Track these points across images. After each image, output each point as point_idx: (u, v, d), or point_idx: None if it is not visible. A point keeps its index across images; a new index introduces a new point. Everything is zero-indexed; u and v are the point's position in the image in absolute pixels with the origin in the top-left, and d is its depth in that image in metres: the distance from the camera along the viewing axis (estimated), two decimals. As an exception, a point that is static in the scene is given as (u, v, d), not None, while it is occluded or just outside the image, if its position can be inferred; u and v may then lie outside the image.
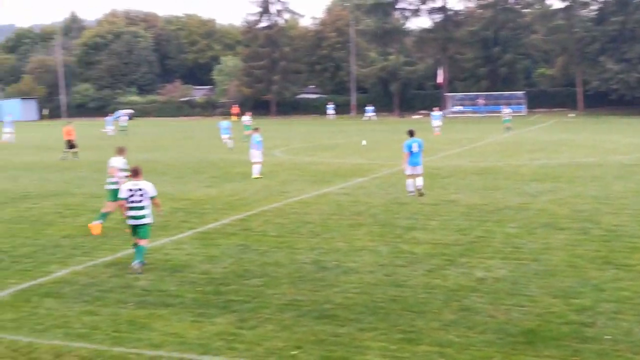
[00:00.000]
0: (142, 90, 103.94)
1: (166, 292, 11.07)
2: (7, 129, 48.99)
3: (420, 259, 12.86)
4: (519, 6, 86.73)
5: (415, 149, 20.24)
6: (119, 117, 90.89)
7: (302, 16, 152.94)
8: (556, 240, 14.09)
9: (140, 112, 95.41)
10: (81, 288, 11.38)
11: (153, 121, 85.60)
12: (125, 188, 12.67)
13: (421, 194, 20.09)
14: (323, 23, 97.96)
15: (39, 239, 15.18)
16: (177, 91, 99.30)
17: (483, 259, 12.74)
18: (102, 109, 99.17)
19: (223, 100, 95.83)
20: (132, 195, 12.54)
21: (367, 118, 76.41)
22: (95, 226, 15.72)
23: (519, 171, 25.73)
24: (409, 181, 20.45)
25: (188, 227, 16.30)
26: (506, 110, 52.80)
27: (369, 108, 78.09)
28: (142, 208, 12.53)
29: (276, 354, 8.50)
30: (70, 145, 35.50)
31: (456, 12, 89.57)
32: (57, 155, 36.32)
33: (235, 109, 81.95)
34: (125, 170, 15.68)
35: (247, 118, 49.70)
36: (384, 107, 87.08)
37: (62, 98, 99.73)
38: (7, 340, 9.08)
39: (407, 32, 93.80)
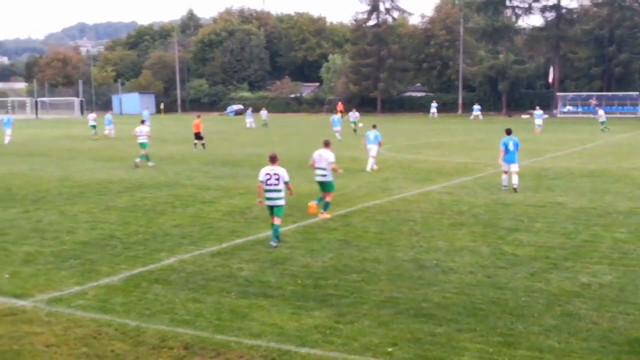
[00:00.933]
0: (253, 86, 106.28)
1: (267, 284, 11.35)
2: (109, 125, 50.57)
3: (522, 261, 12.61)
4: (637, 4, 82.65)
5: (511, 147, 21.01)
6: (231, 112, 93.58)
7: (411, 14, 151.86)
8: (669, 247, 13.47)
9: (252, 109, 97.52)
10: (187, 276, 11.83)
11: (257, 117, 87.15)
12: (263, 172, 14.09)
13: (515, 191, 20.67)
14: (432, 21, 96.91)
15: (151, 227, 15.87)
16: (286, 88, 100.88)
17: (589, 264, 12.35)
18: (214, 104, 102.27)
19: (330, 97, 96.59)
20: (269, 179, 13.95)
21: (473, 117, 75.12)
22: (314, 209, 17.04)
23: (631, 174, 24.67)
24: (504, 176, 21.40)
25: (291, 220, 16.58)
26: (600, 112, 54.21)
27: (476, 107, 76.75)
28: (278, 191, 13.96)
29: (372, 350, 8.56)
30: (198, 137, 37.67)
31: (570, 10, 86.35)
32: (170, 148, 37.75)
33: (340, 106, 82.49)
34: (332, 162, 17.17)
35: (354, 114, 52.46)
36: (491, 106, 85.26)
37: (178, 93, 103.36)
38: (116, 322, 9.54)
39: (518, 30, 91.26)
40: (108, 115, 50.43)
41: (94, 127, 49.12)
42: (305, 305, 10.25)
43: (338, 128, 44.78)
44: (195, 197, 20.30)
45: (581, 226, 15.60)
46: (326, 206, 17.22)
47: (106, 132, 49.08)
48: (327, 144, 17.69)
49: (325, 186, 17.44)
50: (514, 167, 20.98)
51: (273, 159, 14.30)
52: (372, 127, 29.02)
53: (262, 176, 14.10)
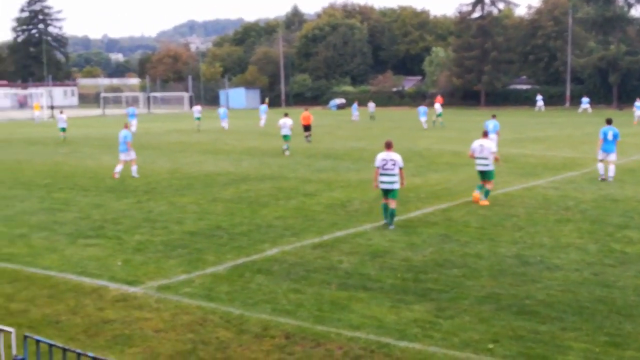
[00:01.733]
0: (355, 80, 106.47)
1: (367, 276, 11.42)
2: (263, 116, 53.23)
3: (632, 259, 12.15)
4: None
5: (610, 137, 21.42)
6: (334, 106, 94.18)
7: (518, 5, 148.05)
8: None
9: (352, 102, 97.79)
10: (289, 267, 12.05)
11: (363, 110, 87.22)
12: (379, 158, 15.08)
13: (608, 180, 21.33)
14: (539, 12, 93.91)
15: (255, 219, 16.25)
16: (388, 81, 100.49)
17: None
18: (317, 99, 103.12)
19: (432, 90, 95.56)
20: (385, 164, 14.99)
21: (582, 110, 72.35)
22: (478, 197, 17.87)
23: None
24: (600, 165, 21.85)
25: (392, 214, 16.59)
26: None
27: (585, 99, 73.71)
28: (393, 175, 14.95)
29: (472, 346, 8.47)
30: (306, 129, 39.38)
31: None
32: (274, 142, 38.42)
33: (439, 99, 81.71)
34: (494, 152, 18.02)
35: (438, 105, 55.64)
36: (601, 98, 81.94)
37: (282, 87, 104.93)
38: (221, 310, 9.85)
39: (631, 20, 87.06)
40: (224, 109, 52.75)
41: (198, 119, 51.71)
42: (405, 298, 10.25)
43: (424, 118, 49.02)
44: (298, 190, 20.62)
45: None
46: (487, 194, 17.87)
47: (223, 124, 51.36)
48: (485, 135, 18.42)
49: (486, 175, 17.95)
50: (612, 157, 21.40)
51: (389, 145, 15.21)
52: (491, 117, 29.67)
53: (378, 162, 15.04)
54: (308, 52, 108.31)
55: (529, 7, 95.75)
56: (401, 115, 75.94)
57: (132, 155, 24.22)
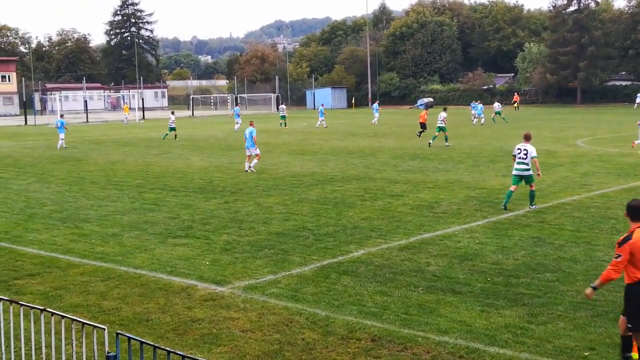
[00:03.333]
0: (444, 78, 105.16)
1: (455, 280, 11.15)
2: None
3: None
4: None
5: None
6: (421, 104, 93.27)
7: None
8: None
9: (441, 100, 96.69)
10: (375, 269, 11.91)
11: (453, 109, 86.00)
12: (516, 147, 17.31)
13: None
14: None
15: (340, 220, 16.18)
16: (479, 79, 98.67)
17: None
18: (405, 97, 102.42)
19: (525, 87, 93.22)
20: (519, 153, 17.03)
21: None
22: None
23: None
24: None
25: (481, 216, 16.22)
26: None
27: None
28: (525, 163, 16.93)
29: (567, 354, 8.14)
30: (423, 126, 41.02)
31: None
32: (360, 142, 38.33)
33: (516, 97, 79.81)
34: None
35: (498, 105, 58.03)
36: None
37: (369, 87, 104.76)
38: (307, 312, 9.81)
39: None
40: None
41: (283, 117, 53.72)
42: (495, 303, 9.95)
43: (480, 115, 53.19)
44: (384, 191, 20.43)
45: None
46: (532, 197, 17.38)
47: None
48: (527, 138, 17.62)
49: (526, 179, 17.35)
50: None
51: (527, 137, 17.31)
52: None
53: (515, 150, 17.32)
54: (396, 51, 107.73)
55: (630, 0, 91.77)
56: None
57: (257, 150, 25.82)
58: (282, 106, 57.47)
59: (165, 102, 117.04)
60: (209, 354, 8.37)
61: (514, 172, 17.33)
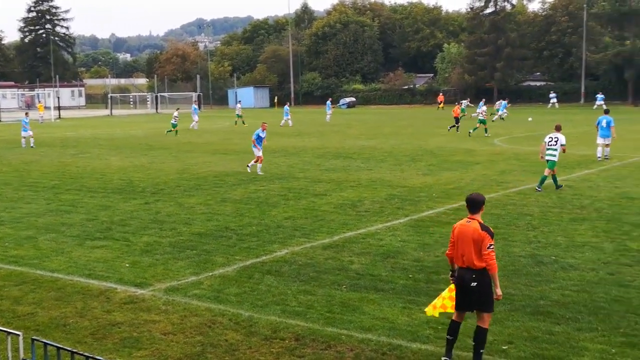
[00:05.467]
0: (366, 78, 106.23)
1: (378, 277, 11.26)
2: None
3: (649, 258, 11.92)
4: None
5: (604, 124, 26.70)
6: (344, 104, 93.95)
7: (531, 1, 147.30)
8: None
9: (363, 100, 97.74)
10: (299, 268, 11.91)
11: (374, 109, 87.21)
12: (547, 136, 19.83)
13: (607, 158, 26.29)
14: (553, 7, 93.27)
15: (264, 219, 16.11)
16: (399, 79, 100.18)
17: None
18: (327, 97, 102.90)
19: (444, 88, 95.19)
20: (550, 141, 19.52)
21: (596, 106, 71.70)
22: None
23: None
24: (599, 148, 26.69)
25: (403, 214, 16.45)
26: None
27: (599, 96, 73.12)
28: (555, 149, 19.38)
29: (486, 348, 8.26)
30: (457, 120, 43.80)
31: None
32: (284, 141, 38.34)
33: (440, 97, 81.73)
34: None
35: (465, 102, 60.24)
36: (616, 95, 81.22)
37: (292, 86, 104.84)
38: (230, 312, 9.71)
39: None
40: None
41: (239, 116, 55.59)
42: (417, 299, 10.09)
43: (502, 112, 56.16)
44: (307, 190, 20.47)
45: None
46: (543, 180, 19.62)
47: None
48: (558, 129, 20.47)
49: (549, 164, 19.77)
50: (607, 141, 26.52)
51: (558, 128, 20.10)
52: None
53: (547, 138, 19.74)
54: (318, 50, 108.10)
55: (543, 2, 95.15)
56: (413, 113, 75.65)
57: (258, 153, 24.41)
58: (238, 105, 58.05)
59: (82, 101, 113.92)
60: (129, 358, 8.20)
61: (547, 158, 19.67)
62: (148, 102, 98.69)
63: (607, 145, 26.66)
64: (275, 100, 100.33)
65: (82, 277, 11.58)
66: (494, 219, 15.62)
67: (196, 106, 52.53)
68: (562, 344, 8.37)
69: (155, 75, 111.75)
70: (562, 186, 19.70)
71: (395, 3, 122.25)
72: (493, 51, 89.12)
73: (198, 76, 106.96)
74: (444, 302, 7.98)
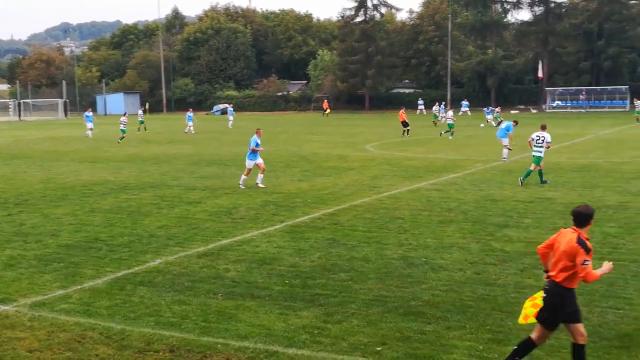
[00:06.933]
0: (239, 85, 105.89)
1: (254, 284, 11.20)
2: (189, 122, 51.40)
3: (512, 257, 12.53)
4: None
5: (503, 126, 28.94)
6: (217, 111, 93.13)
7: (400, 10, 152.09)
8: (658, 241, 13.43)
9: (237, 107, 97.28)
10: (173, 277, 11.65)
11: (248, 115, 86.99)
12: (534, 134, 21.76)
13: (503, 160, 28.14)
14: (420, 17, 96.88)
15: (136, 229, 15.66)
16: (273, 86, 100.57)
17: (579, 259, 12.25)
18: (200, 103, 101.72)
19: (317, 95, 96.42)
20: (538, 139, 21.49)
21: (462, 113, 74.84)
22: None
23: (620, 169, 24.70)
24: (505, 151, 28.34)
25: (278, 220, 16.46)
26: (637, 102, 57.56)
27: (464, 103, 76.50)
28: (541, 146, 21.35)
29: (361, 350, 8.45)
30: (405, 124, 44.34)
31: (558, 5, 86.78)
32: (155, 148, 37.49)
33: (325, 104, 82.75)
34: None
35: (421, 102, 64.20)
36: (480, 102, 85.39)
37: (163, 92, 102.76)
38: (101, 326, 9.36)
39: (507, 25, 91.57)
40: (189, 114, 52.38)
41: (142, 122, 54.09)
42: (293, 305, 10.12)
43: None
44: (181, 198, 20.10)
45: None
46: (528, 173, 21.51)
47: (187, 129, 50.88)
48: (543, 128, 22.28)
49: (535, 159, 21.64)
50: (504, 142, 28.14)
51: (543, 127, 22.13)
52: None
53: (534, 135, 21.69)
54: (190, 56, 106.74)
55: (411, 12, 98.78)
56: (287, 119, 76.10)
57: (258, 161, 22.12)
58: (140, 111, 56.32)
59: None
60: (-9, 379, 7.71)
61: (533, 154, 21.51)
62: (10, 109, 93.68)
63: (503, 147, 28.16)
64: (147, 107, 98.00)
65: (-63, 295, 10.81)
66: (367, 223, 15.95)
67: (89, 113, 50.22)
68: (433, 343, 8.61)
69: (18, 81, 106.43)
70: (547, 182, 21.44)
71: (267, 10, 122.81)
72: (364, 59, 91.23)
73: (64, 82, 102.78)
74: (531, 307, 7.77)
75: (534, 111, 61.62)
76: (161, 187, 22.55)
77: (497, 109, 61.35)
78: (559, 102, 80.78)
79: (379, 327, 9.19)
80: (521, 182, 21.19)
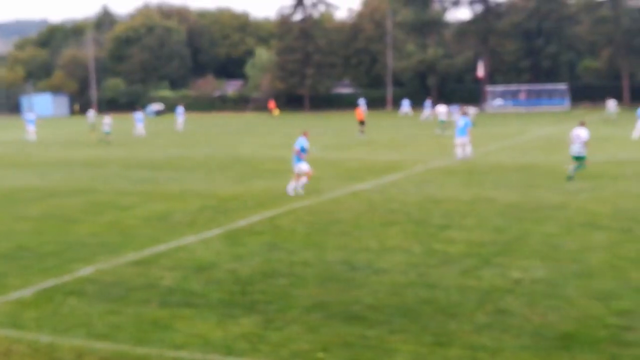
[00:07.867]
0: (174, 85, 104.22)
1: (191, 292, 10.84)
2: (139, 124, 50.15)
3: (454, 259, 12.46)
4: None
5: (461, 124, 28.20)
6: (153, 112, 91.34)
7: (338, 8, 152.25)
8: (596, 240, 13.60)
9: (172, 107, 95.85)
10: (105, 287, 11.21)
11: (184, 116, 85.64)
12: (573, 130, 22.29)
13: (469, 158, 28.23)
14: (360, 15, 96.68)
15: (65, 237, 15.05)
16: (209, 86, 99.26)
17: (520, 259, 12.30)
18: (133, 104, 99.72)
19: (256, 94, 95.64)
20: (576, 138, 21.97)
21: (403, 112, 75.22)
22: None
23: (560, 168, 25.06)
24: (458, 148, 28.38)
25: (215, 225, 16.04)
26: (611, 104, 59.99)
27: (405, 102, 76.48)
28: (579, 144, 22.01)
29: (301, 357, 8.27)
30: (361, 123, 44.17)
31: (498, 3, 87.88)
32: (85, 151, 36.49)
33: (271, 104, 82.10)
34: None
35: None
36: (420, 101, 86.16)
37: (93, 93, 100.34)
38: (28, 339, 8.96)
39: (446, 24, 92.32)
40: (139, 114, 51.04)
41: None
42: (232, 312, 9.83)
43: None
44: (113, 203, 19.43)
45: (512, 221, 15.60)
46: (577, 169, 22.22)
47: (138, 132, 49.49)
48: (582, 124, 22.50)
49: (578, 158, 22.31)
50: (464, 140, 28.01)
51: (582, 123, 22.29)
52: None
53: (574, 133, 22.01)
54: (121, 55, 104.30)
55: (350, 10, 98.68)
56: (225, 120, 75.32)
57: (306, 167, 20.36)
58: (89, 114, 54.88)
59: None
60: None
61: (571, 153, 22.31)
62: None
63: (465, 145, 28.05)
64: (77, 108, 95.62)
65: None
66: (307, 226, 15.69)
67: (32, 116, 48.43)
68: (376, 348, 8.47)
69: None
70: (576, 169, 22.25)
71: (202, 8, 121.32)
72: (303, 58, 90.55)
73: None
74: None
75: (474, 110, 62.45)
76: (91, 192, 21.77)
77: (472, 110, 58.52)
78: (502, 101, 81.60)
79: (320, 333, 9.00)
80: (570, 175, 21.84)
